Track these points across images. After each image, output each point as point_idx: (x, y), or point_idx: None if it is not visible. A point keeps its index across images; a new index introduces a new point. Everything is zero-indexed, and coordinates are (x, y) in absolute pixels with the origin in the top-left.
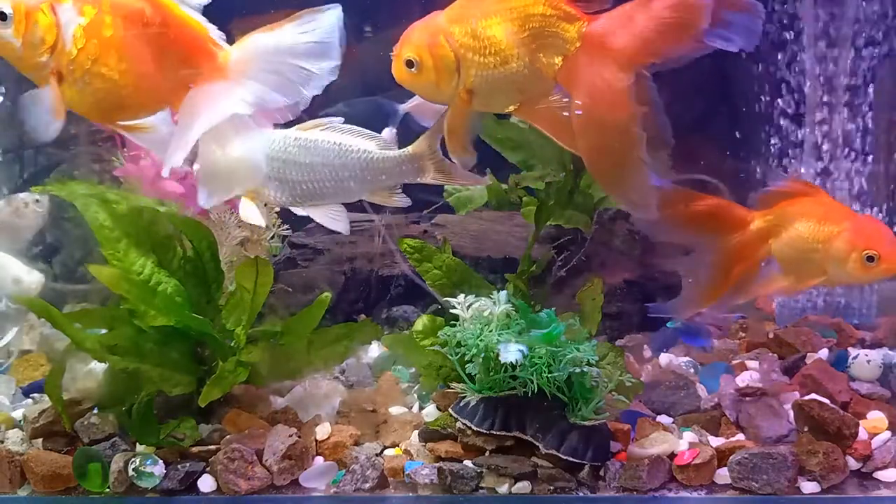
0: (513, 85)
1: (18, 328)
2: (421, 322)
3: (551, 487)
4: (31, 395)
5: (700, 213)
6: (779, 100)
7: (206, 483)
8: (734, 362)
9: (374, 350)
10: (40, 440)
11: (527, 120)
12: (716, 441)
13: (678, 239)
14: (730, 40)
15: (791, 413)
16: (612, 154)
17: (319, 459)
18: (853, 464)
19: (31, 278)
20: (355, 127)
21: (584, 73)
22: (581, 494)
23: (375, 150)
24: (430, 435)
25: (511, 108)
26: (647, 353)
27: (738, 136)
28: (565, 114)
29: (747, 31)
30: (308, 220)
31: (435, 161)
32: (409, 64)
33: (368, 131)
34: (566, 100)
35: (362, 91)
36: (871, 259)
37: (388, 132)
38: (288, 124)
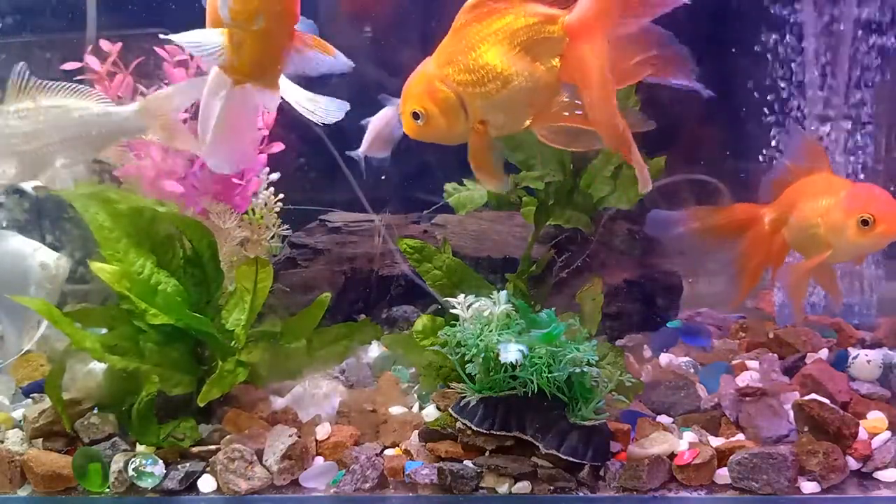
0: (522, 102)
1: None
2: (421, 322)
3: (551, 487)
4: (31, 395)
5: (721, 223)
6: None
7: (206, 483)
8: (734, 362)
9: (374, 350)
10: (40, 440)
11: (545, 126)
12: (716, 441)
13: (707, 249)
14: None
15: (791, 413)
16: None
17: (319, 459)
18: (853, 464)
19: (58, 263)
20: (75, 85)
21: (583, 63)
22: (581, 494)
23: (96, 107)
24: (430, 435)
25: (527, 122)
26: (647, 353)
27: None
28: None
29: None
30: (308, 220)
31: (162, 121)
32: (416, 116)
33: (87, 88)
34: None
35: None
36: (865, 223)
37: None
38: None
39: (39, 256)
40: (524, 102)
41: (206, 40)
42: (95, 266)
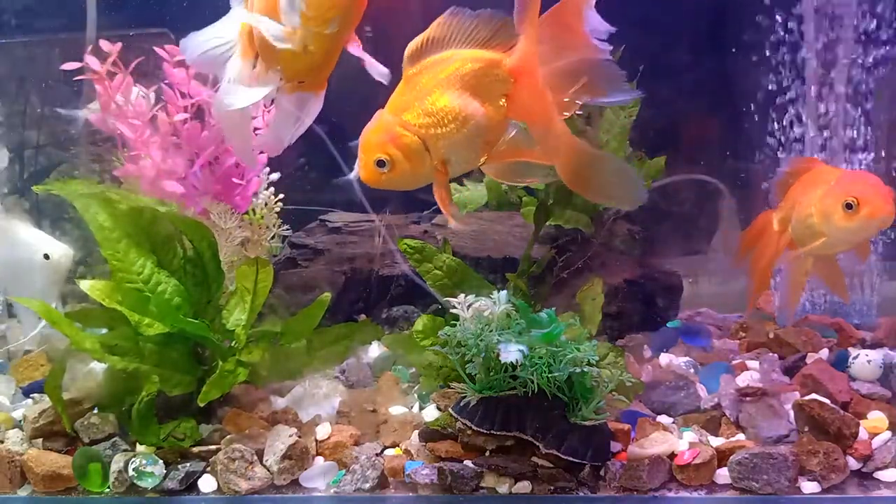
0: (478, 140)
1: (56, 305)
2: (421, 322)
3: (551, 487)
4: (31, 395)
5: (754, 237)
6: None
7: (206, 483)
8: (734, 362)
9: (374, 350)
10: (40, 440)
11: (499, 161)
12: (716, 441)
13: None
14: None
15: (791, 413)
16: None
17: (319, 459)
18: (853, 464)
19: (61, 253)
20: None
21: (528, 101)
22: (581, 494)
23: None
24: (430, 435)
25: (483, 159)
26: (647, 353)
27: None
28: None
29: None
30: (308, 220)
31: None
32: (381, 164)
33: None
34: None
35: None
36: (849, 206)
37: None
38: None
39: (42, 247)
40: (481, 140)
41: (277, 32)
42: (85, 285)
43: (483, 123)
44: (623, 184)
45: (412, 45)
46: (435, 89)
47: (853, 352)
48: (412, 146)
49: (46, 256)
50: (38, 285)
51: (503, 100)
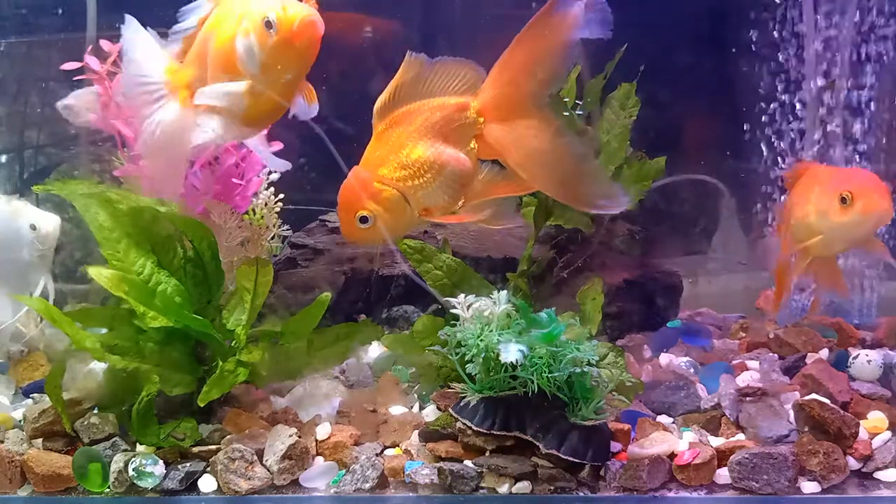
0: (455, 185)
1: (47, 278)
2: (421, 322)
3: (551, 487)
4: (31, 395)
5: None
6: None
7: (206, 483)
8: (734, 362)
9: (374, 350)
10: (40, 440)
11: (476, 200)
12: (716, 441)
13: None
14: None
15: (791, 413)
16: (568, 174)
17: (319, 459)
18: (853, 464)
19: (48, 222)
20: None
21: (503, 137)
22: (581, 494)
23: None
24: (430, 435)
25: (462, 201)
26: (647, 353)
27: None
28: None
29: (602, 23)
30: (309, 219)
31: None
32: (364, 220)
33: None
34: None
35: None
36: (844, 200)
37: None
38: None
39: (29, 217)
40: (458, 184)
41: (231, 90)
42: (93, 271)
43: (458, 168)
44: (605, 182)
45: (380, 102)
46: (407, 142)
47: (853, 352)
48: (392, 199)
49: (33, 227)
50: (27, 258)
51: (473, 142)
